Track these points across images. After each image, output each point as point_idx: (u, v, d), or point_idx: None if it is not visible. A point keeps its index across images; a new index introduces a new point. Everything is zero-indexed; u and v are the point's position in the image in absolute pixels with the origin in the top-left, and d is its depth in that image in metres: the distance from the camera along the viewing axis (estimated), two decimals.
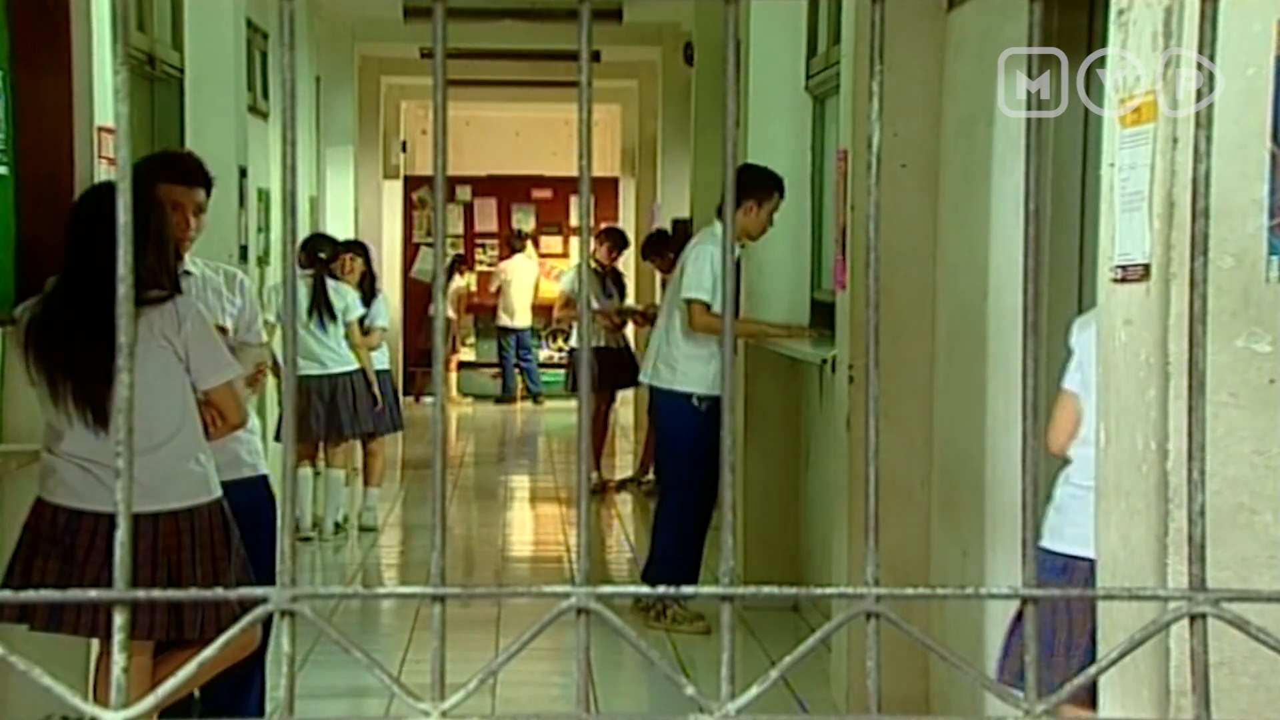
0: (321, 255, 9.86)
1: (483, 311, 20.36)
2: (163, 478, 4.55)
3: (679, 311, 7.96)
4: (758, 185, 7.96)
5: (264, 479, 5.29)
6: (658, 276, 14.09)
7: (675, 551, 7.91)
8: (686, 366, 7.93)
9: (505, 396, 19.44)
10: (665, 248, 13.13)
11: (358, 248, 10.79)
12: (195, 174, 5.18)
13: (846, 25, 6.72)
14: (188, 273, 5.20)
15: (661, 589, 1.33)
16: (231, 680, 4.79)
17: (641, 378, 8.30)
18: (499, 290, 19.55)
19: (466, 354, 20.29)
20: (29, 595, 1.30)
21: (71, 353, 4.56)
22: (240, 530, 4.75)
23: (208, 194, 5.21)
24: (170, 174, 5.14)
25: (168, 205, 4.95)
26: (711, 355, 7.92)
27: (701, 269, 7.87)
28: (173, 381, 4.60)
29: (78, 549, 4.54)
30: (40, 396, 4.67)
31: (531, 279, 19.69)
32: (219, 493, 4.71)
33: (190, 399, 4.64)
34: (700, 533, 8.04)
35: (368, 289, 10.50)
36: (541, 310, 19.15)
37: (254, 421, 5.36)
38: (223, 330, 5.08)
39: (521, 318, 19.40)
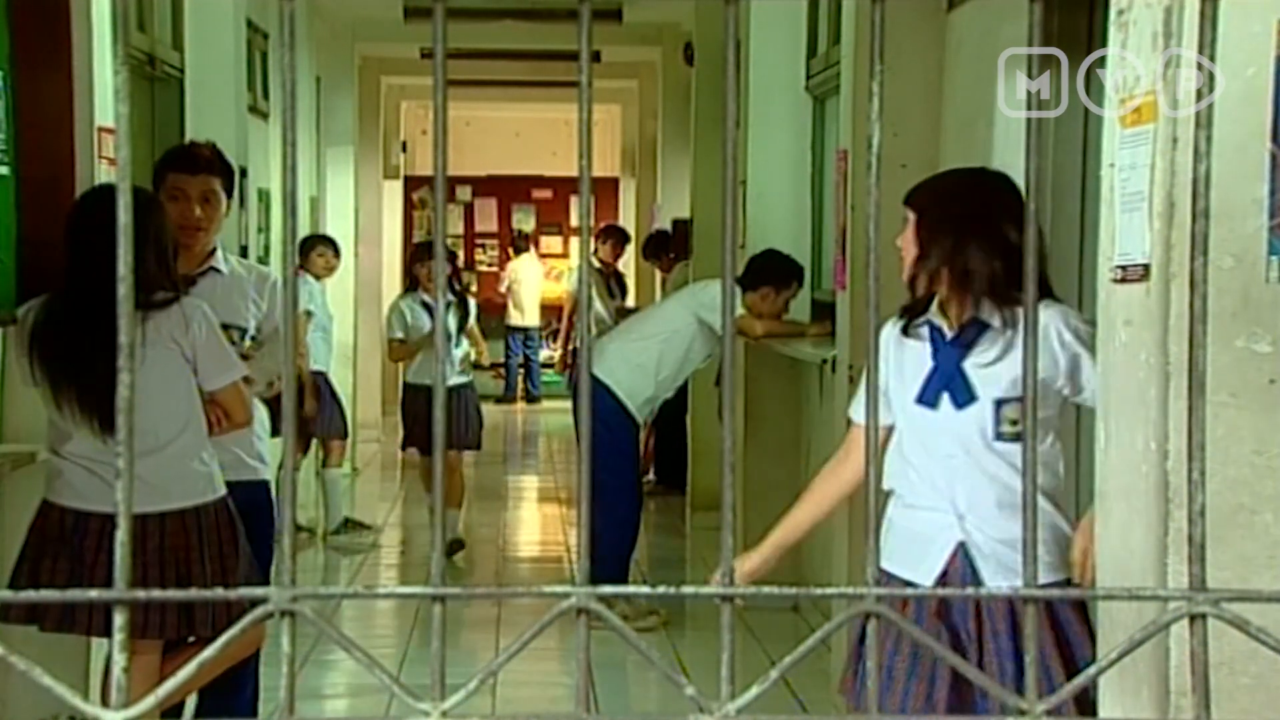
0: None
1: (484, 311, 20.33)
2: (168, 477, 4.56)
3: (685, 340, 7.74)
4: (779, 273, 7.94)
5: (265, 484, 5.25)
6: (658, 276, 14.08)
7: (617, 548, 7.68)
8: (635, 379, 7.72)
9: (507, 396, 19.42)
10: (666, 248, 13.13)
11: (451, 257, 10.55)
12: (196, 161, 5.17)
13: (846, 25, 6.72)
14: (217, 270, 5.20)
15: (662, 588, 1.33)
16: (226, 679, 4.79)
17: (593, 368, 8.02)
18: (509, 289, 19.53)
19: None
20: (29, 595, 1.30)
21: (76, 358, 4.55)
22: None
23: (225, 183, 5.19)
24: (174, 163, 5.19)
25: (173, 195, 4.98)
26: (656, 387, 7.81)
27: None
28: (179, 383, 4.60)
29: (86, 550, 4.55)
30: (44, 399, 4.67)
31: (538, 278, 19.69)
32: (224, 491, 4.72)
33: (195, 399, 4.65)
34: (634, 533, 7.90)
35: (459, 294, 10.17)
36: (545, 310, 19.14)
37: (265, 424, 5.34)
38: (235, 329, 5.07)
39: (531, 316, 19.37)
